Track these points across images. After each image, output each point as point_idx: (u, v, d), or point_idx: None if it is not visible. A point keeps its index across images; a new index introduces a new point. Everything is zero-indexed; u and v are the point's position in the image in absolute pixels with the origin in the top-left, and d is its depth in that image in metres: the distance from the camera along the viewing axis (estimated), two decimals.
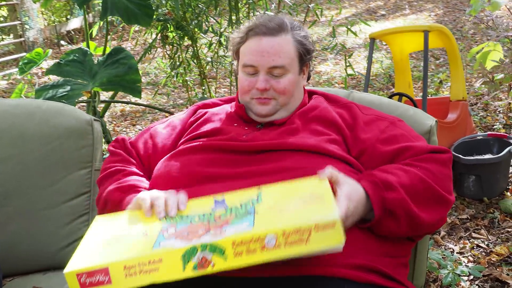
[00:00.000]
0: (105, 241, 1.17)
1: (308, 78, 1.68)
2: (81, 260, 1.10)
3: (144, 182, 1.51)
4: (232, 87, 5.07)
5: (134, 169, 1.56)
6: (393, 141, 1.46)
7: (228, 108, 1.67)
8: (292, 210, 1.14)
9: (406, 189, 1.30)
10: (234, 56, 1.64)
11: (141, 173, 1.56)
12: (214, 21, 4.30)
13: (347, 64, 4.08)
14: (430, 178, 1.35)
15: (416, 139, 1.49)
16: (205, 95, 4.66)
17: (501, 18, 3.55)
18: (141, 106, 6.30)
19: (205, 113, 1.65)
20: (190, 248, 1.06)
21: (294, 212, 1.13)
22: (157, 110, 6.14)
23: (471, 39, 7.22)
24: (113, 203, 1.44)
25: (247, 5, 4.00)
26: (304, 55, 1.58)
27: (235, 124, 1.57)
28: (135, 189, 1.45)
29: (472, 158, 3.22)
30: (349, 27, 4.17)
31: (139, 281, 1.06)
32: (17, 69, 8.22)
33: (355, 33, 4.23)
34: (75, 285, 1.06)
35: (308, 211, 1.12)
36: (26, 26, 8.80)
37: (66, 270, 1.07)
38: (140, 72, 3.54)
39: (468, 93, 5.06)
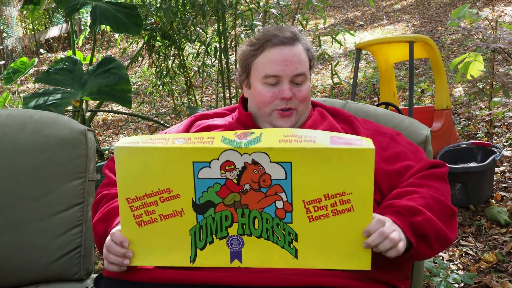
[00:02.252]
0: (142, 213, 1.25)
1: None
2: (138, 255, 1.27)
3: None
4: (215, 95, 5.07)
5: None
6: (395, 159, 1.49)
7: (229, 118, 1.65)
8: (330, 229, 1.20)
9: (428, 209, 1.32)
10: (243, 69, 1.61)
11: None
12: (201, 30, 4.29)
13: (334, 73, 4.11)
14: (439, 194, 1.38)
15: (415, 153, 1.53)
16: (191, 104, 4.65)
17: (485, 30, 3.61)
18: (123, 115, 6.26)
19: (207, 126, 1.62)
20: (237, 266, 1.24)
21: (332, 235, 1.20)
22: (140, 119, 6.11)
23: (449, 49, 7.35)
24: (98, 237, 1.43)
25: (234, 15, 4.01)
26: (312, 62, 1.61)
27: None
28: (114, 213, 1.43)
29: (458, 166, 3.27)
30: (333, 36, 4.21)
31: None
32: None
33: (340, 42, 4.27)
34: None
35: (346, 242, 1.21)
36: (5, 34, 8.69)
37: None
38: None
39: None
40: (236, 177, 1.18)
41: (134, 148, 1.22)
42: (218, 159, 1.17)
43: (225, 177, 1.17)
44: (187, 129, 1.65)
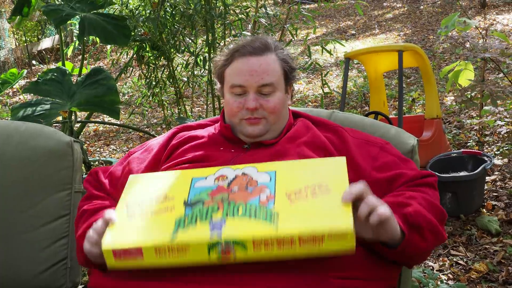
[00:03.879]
0: (136, 211, 1.34)
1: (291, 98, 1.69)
2: (117, 236, 1.27)
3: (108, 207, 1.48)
4: (206, 106, 5.07)
5: (99, 202, 1.53)
6: (386, 168, 1.48)
7: (212, 129, 1.65)
8: (310, 205, 1.25)
9: (419, 205, 1.32)
10: (218, 79, 1.62)
11: (107, 203, 1.53)
12: (190, 41, 4.29)
13: (324, 83, 4.12)
14: (429, 197, 1.38)
15: (404, 162, 1.53)
16: (181, 115, 4.64)
17: (473, 39, 3.64)
18: (114, 126, 6.25)
19: (188, 137, 1.62)
20: (216, 241, 1.19)
21: (312, 208, 1.24)
22: (131, 130, 6.10)
23: (440, 57, 7.39)
24: (81, 250, 1.40)
25: (223, 26, 4.02)
26: (289, 73, 1.59)
27: (221, 148, 1.56)
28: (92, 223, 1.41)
29: (448, 175, 3.27)
30: (324, 46, 4.21)
31: (168, 259, 1.22)
32: None
33: (330, 52, 4.27)
34: (111, 257, 1.24)
35: (325, 210, 1.22)
36: None
37: (104, 247, 1.24)
38: None
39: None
40: (227, 184, 1.34)
41: (145, 175, 1.47)
42: (214, 174, 1.38)
43: (217, 184, 1.34)
44: (168, 141, 1.65)
